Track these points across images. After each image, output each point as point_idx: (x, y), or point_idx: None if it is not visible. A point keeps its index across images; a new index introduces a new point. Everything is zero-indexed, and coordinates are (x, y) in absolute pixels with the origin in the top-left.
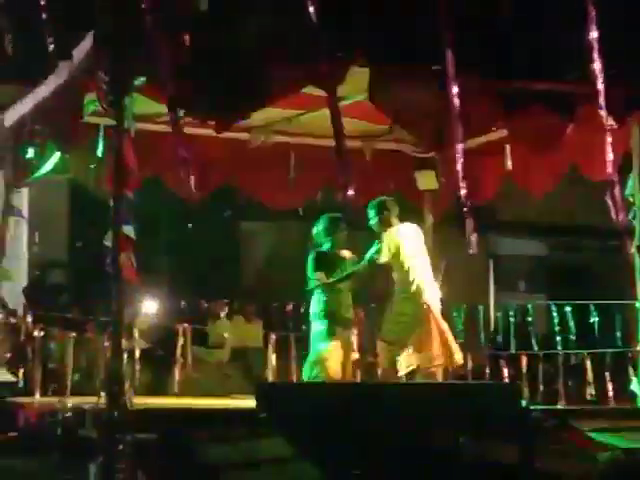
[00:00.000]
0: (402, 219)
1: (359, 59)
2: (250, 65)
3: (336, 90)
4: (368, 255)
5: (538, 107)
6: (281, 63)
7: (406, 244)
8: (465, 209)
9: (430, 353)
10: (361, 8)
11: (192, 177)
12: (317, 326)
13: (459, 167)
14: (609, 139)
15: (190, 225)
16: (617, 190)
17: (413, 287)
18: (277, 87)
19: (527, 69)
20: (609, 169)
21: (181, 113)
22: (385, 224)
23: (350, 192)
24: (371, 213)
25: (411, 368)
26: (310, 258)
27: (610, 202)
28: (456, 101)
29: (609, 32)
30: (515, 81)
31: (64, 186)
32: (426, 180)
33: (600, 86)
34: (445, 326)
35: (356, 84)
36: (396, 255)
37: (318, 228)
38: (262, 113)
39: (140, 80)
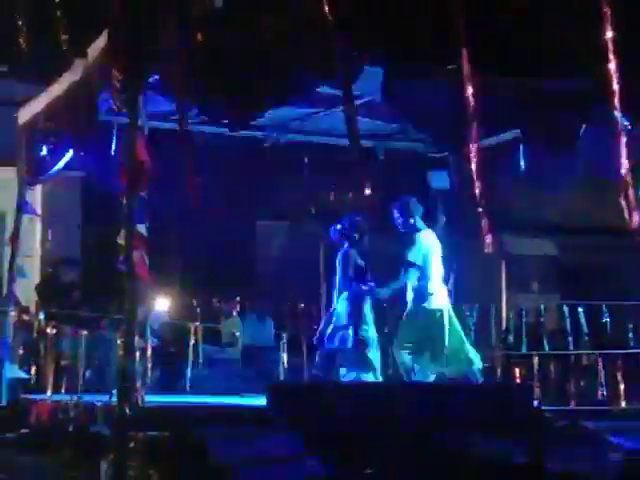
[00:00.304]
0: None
1: (373, 58)
2: (264, 64)
3: (351, 89)
4: (412, 258)
5: (553, 107)
6: (296, 62)
7: (432, 249)
8: (480, 209)
9: (451, 358)
10: (375, 7)
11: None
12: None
13: (473, 167)
14: (624, 140)
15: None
16: (631, 191)
17: (431, 292)
18: (291, 86)
19: (540, 68)
20: (623, 169)
21: (195, 111)
22: (411, 225)
23: (367, 192)
24: (396, 213)
25: (434, 374)
26: (342, 258)
27: (624, 203)
28: (470, 101)
29: (624, 32)
30: (529, 81)
31: (77, 184)
32: (439, 180)
33: (615, 86)
34: (461, 332)
35: (369, 83)
36: (424, 259)
37: (340, 227)
38: (276, 112)
39: (154, 78)
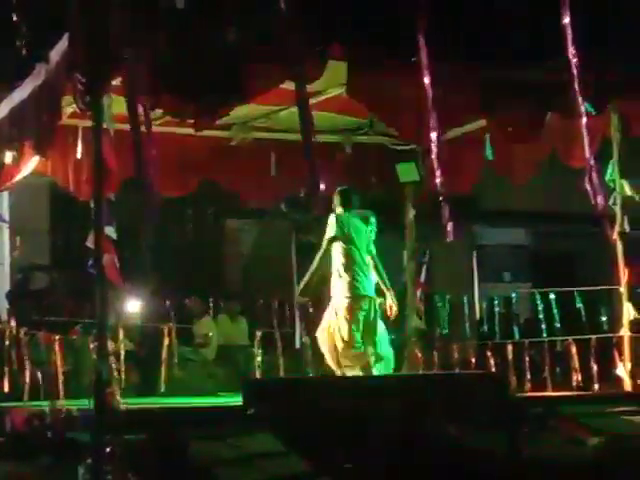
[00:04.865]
0: (383, 212)
1: (336, 53)
2: (227, 62)
3: (305, 86)
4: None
5: (518, 95)
6: (259, 59)
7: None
8: (441, 198)
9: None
10: (338, 2)
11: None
12: None
13: (435, 157)
14: (588, 126)
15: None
16: (595, 175)
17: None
18: (255, 83)
19: (506, 58)
20: (587, 155)
21: (159, 112)
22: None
23: (321, 187)
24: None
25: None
26: None
27: (589, 187)
28: (434, 92)
29: (587, 19)
30: (494, 70)
31: (45, 189)
32: (407, 172)
33: (579, 74)
34: None
35: (334, 78)
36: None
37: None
38: (241, 110)
39: (117, 80)
